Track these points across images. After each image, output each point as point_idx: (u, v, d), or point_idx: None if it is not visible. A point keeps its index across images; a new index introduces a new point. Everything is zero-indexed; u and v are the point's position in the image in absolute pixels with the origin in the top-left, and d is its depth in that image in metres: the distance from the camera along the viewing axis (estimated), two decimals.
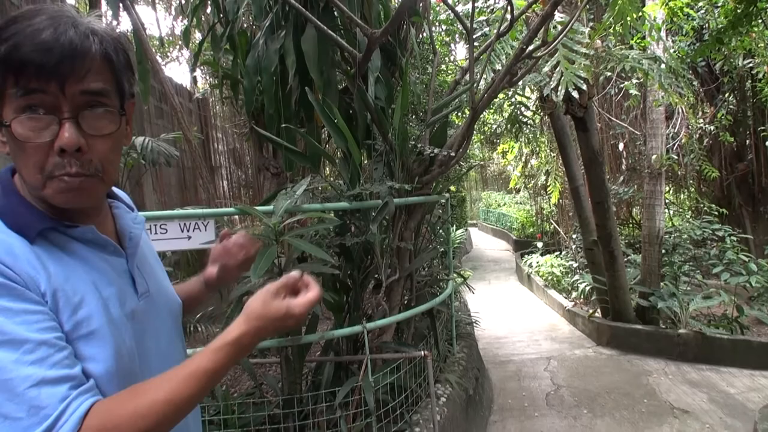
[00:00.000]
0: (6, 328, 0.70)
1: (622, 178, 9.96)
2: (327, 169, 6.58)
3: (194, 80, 8.23)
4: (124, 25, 9.81)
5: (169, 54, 12.28)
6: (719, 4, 5.84)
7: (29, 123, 0.77)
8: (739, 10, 4.47)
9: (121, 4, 3.28)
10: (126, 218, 0.99)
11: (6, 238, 0.78)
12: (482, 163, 21.23)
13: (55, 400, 0.70)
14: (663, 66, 5.19)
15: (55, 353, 0.73)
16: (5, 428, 0.69)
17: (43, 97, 0.77)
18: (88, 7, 4.74)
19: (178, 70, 18.91)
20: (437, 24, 7.44)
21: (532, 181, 13.56)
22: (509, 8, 3.02)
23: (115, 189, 1.02)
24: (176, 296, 1.11)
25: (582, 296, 8.20)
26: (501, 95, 7.45)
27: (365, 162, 3.62)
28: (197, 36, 6.33)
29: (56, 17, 0.78)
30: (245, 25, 3.99)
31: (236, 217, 5.23)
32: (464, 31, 3.58)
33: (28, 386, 0.69)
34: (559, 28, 4.05)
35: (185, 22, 5.02)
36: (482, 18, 4.90)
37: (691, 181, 9.77)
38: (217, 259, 1.26)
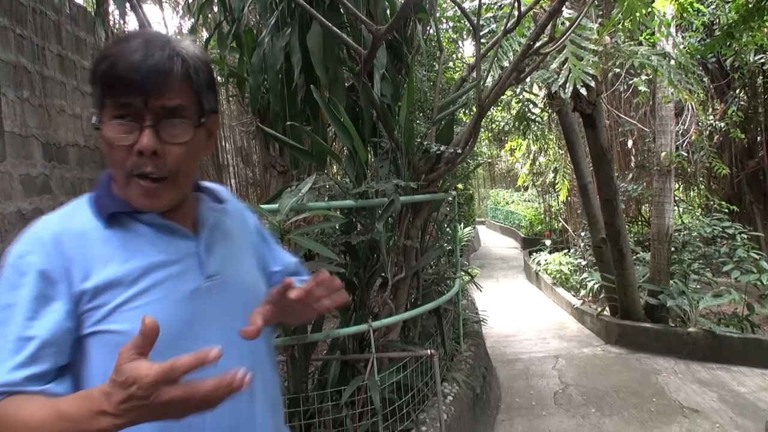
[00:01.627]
0: None
1: (630, 175, 9.88)
2: (333, 167, 6.57)
3: None
4: (131, 24, 9.83)
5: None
6: (730, 0, 5.77)
7: (117, 128, 0.92)
8: (750, 5, 4.41)
9: (128, 4, 3.28)
10: (203, 207, 1.10)
11: (64, 237, 0.95)
12: (490, 160, 21.17)
13: None
14: (673, 62, 5.13)
15: (11, 352, 0.86)
16: None
17: (130, 108, 0.90)
18: (95, 6, 4.75)
19: None
20: (444, 21, 7.40)
21: (540, 179, 13.49)
22: (516, 4, 2.99)
23: (208, 183, 1.17)
24: (258, 284, 1.15)
25: (590, 294, 8.15)
26: (508, 92, 7.41)
27: (371, 160, 3.61)
28: (204, 34, 6.33)
29: (149, 41, 0.93)
30: (251, 23, 3.98)
31: None
32: (471, 28, 3.55)
33: None
34: (567, 24, 4.01)
35: (192, 21, 5.03)
36: (489, 14, 4.86)
37: (700, 179, 9.67)
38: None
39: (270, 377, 1.15)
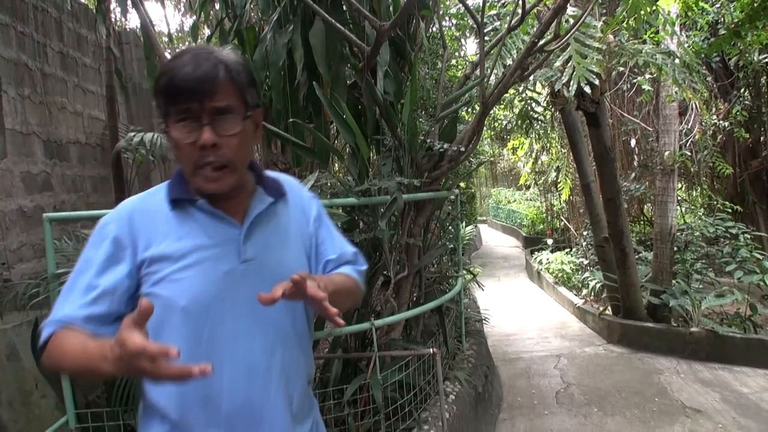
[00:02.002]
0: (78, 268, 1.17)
1: (633, 174, 9.86)
2: (336, 165, 6.55)
3: None
4: (133, 21, 9.85)
5: (178, 50, 12.29)
6: None
7: (182, 129, 1.11)
8: (756, 4, 4.38)
9: (129, 1, 3.26)
10: (255, 200, 1.26)
11: (138, 211, 1.21)
12: (492, 159, 21.15)
13: (54, 317, 1.12)
14: (677, 61, 5.11)
15: (80, 294, 1.13)
16: None
17: (189, 112, 1.10)
18: (96, 4, 4.75)
19: None
20: (447, 18, 7.38)
21: (543, 178, 13.47)
22: (521, 2, 2.97)
23: (278, 176, 1.35)
24: (293, 269, 1.16)
25: (592, 294, 8.14)
26: (511, 91, 7.39)
27: (374, 157, 3.59)
28: (206, 31, 6.32)
29: (196, 54, 1.13)
30: (253, 20, 3.96)
31: None
32: (475, 25, 3.54)
33: (59, 304, 1.14)
34: (572, 21, 3.99)
35: (194, 18, 5.01)
36: (493, 12, 4.84)
37: (704, 178, 9.64)
38: None
39: (293, 359, 1.25)
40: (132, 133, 5.17)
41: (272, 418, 1.20)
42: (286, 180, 1.37)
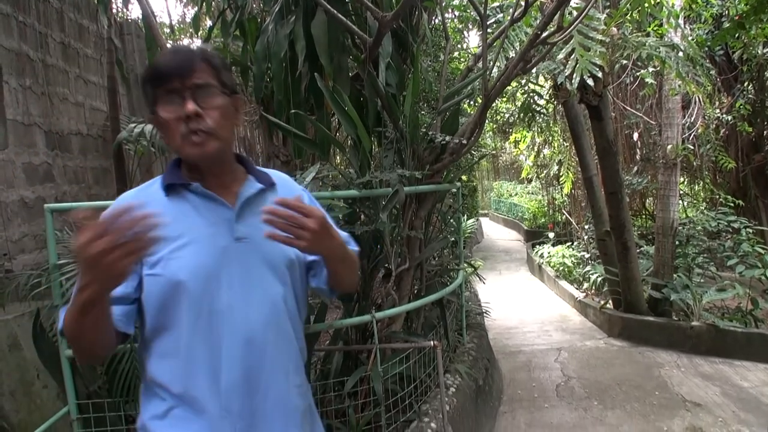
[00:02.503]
0: None
1: (635, 168, 9.83)
2: (338, 157, 6.54)
3: None
4: (134, 12, 9.81)
5: (180, 42, 12.25)
6: None
7: (167, 107, 1.22)
8: None
9: None
10: (246, 186, 1.36)
11: (136, 200, 1.17)
12: (494, 152, 21.09)
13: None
14: (681, 54, 5.08)
15: None
16: None
17: (172, 90, 1.22)
18: None
19: None
20: (450, 10, 7.34)
21: (545, 171, 13.45)
22: None
23: (268, 170, 1.45)
24: (284, 252, 1.33)
25: (593, 287, 8.14)
26: (514, 83, 7.35)
27: (375, 149, 3.58)
28: (207, 23, 6.29)
29: (176, 48, 1.35)
30: (255, 11, 3.94)
31: None
32: (477, 17, 3.51)
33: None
34: (575, 14, 3.96)
35: (195, 9, 4.99)
36: (496, 4, 4.81)
37: (706, 172, 9.62)
38: None
39: (286, 334, 1.34)
40: (133, 124, 5.16)
41: (267, 389, 1.27)
42: (277, 174, 1.48)
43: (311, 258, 1.43)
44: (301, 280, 1.44)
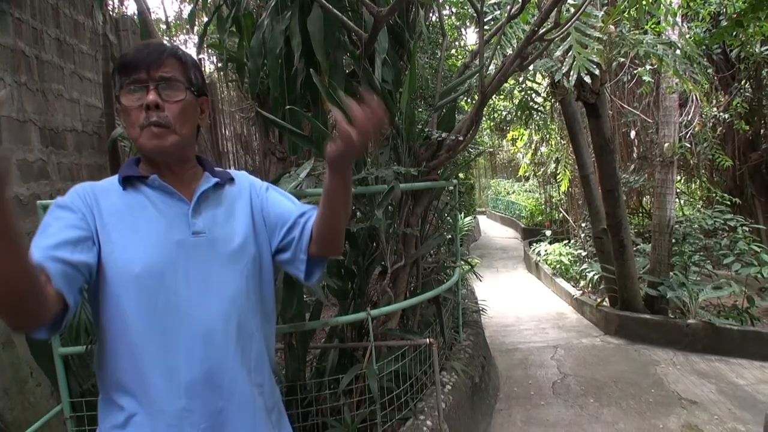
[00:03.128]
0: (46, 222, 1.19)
1: (633, 166, 9.83)
2: None
3: (200, 64, 8.15)
4: (131, 8, 9.77)
5: (175, 38, 12.20)
6: None
7: (130, 96, 1.23)
8: None
9: None
10: (202, 182, 1.34)
11: (91, 188, 1.28)
12: (491, 150, 21.10)
13: None
14: (678, 52, 5.07)
15: (48, 243, 1.12)
16: None
17: (138, 82, 1.23)
18: None
19: None
20: (447, 6, 7.32)
21: (542, 169, 13.43)
22: None
23: (225, 170, 1.43)
24: (248, 246, 1.35)
25: (590, 285, 8.14)
26: (511, 81, 7.35)
27: (371, 146, 3.56)
28: (203, 19, 6.26)
29: (148, 42, 1.32)
30: (251, 7, 3.92)
31: None
32: (474, 14, 3.50)
33: None
34: (572, 10, 3.95)
35: (191, 5, 4.96)
36: (493, 1, 4.79)
37: (703, 171, 9.62)
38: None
39: (249, 331, 1.31)
40: None
41: (231, 387, 1.25)
42: (238, 172, 1.49)
43: (285, 233, 1.41)
44: (265, 274, 1.41)
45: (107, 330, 1.22)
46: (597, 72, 4.02)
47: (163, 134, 1.24)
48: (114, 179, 1.32)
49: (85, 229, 1.20)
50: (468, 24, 7.90)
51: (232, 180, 1.42)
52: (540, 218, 15.53)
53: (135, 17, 6.54)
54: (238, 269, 1.31)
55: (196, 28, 6.21)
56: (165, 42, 1.33)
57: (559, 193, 12.78)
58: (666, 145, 6.28)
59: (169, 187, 1.29)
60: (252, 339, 1.32)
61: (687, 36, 5.84)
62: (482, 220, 22.67)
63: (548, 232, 12.35)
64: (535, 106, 7.66)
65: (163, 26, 10.00)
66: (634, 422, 4.03)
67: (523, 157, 15.13)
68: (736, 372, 4.97)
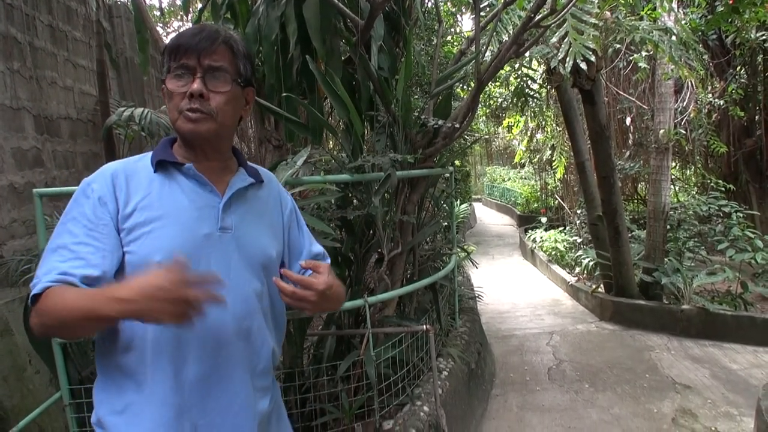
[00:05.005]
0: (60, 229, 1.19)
1: (628, 153, 9.85)
2: (330, 142, 6.50)
3: None
4: None
5: (170, 24, 12.11)
6: None
7: (176, 80, 1.22)
8: None
9: None
10: (237, 177, 1.33)
11: (123, 169, 1.25)
12: (487, 137, 21.07)
13: (48, 272, 1.11)
14: (674, 38, 5.06)
15: (70, 254, 1.13)
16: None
17: (186, 66, 1.21)
18: None
19: None
20: None
21: (538, 156, 13.45)
22: None
23: (257, 167, 1.43)
24: (270, 250, 1.36)
25: (585, 271, 8.19)
26: (507, 67, 7.32)
27: (368, 134, 3.56)
28: (197, 5, 6.21)
29: (205, 25, 1.30)
30: None
31: None
32: (470, 0, 3.48)
33: (50, 260, 1.13)
34: None
35: None
36: None
37: (698, 157, 9.65)
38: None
39: (258, 334, 1.31)
40: (123, 108, 5.10)
41: (233, 387, 1.25)
42: (265, 171, 1.47)
43: (291, 262, 1.46)
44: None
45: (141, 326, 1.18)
46: (593, 58, 4.01)
47: (200, 120, 1.22)
48: (146, 158, 1.30)
49: (111, 224, 1.19)
50: (464, 10, 7.85)
51: (262, 181, 1.41)
52: (535, 205, 15.57)
53: (128, 3, 6.48)
54: (256, 271, 1.31)
55: (190, 15, 6.16)
56: (219, 28, 1.29)
57: (554, 179, 12.81)
58: (661, 131, 6.29)
59: (203, 177, 1.27)
60: (262, 341, 1.32)
61: (683, 22, 5.82)
62: (478, 207, 22.70)
63: (544, 219, 12.39)
64: (531, 93, 7.65)
65: (157, 13, 9.91)
66: (629, 407, 4.07)
67: (518, 144, 15.13)
68: (730, 357, 5.02)
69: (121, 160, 1.31)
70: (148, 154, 1.30)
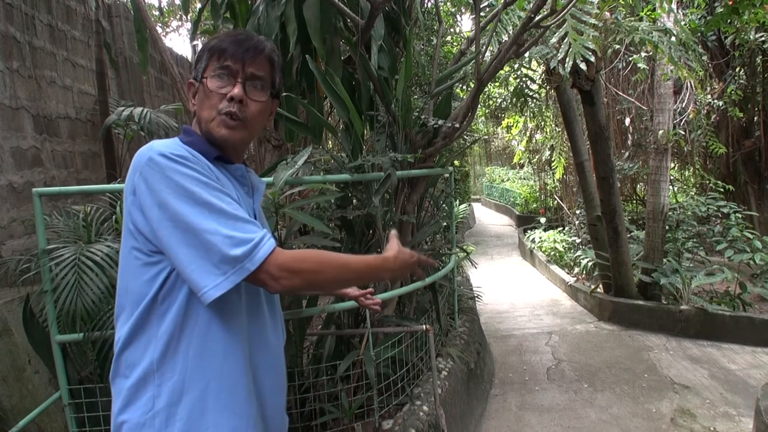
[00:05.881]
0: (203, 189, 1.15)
1: (627, 153, 9.86)
2: (330, 142, 6.50)
3: (194, 50, 8.10)
4: None
5: (169, 24, 12.09)
6: None
7: (217, 81, 1.26)
8: None
9: None
10: (255, 177, 1.43)
11: (188, 150, 1.21)
12: (486, 137, 21.08)
13: (255, 234, 1.13)
14: (673, 39, 5.07)
15: (241, 208, 1.19)
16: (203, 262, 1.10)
17: (230, 70, 1.26)
18: None
19: (178, 41, 18.69)
20: None
21: (537, 156, 13.46)
22: None
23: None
24: None
25: (584, 272, 8.19)
26: (506, 68, 7.33)
27: (368, 133, 3.56)
28: (197, 5, 6.20)
29: (249, 33, 1.33)
30: None
31: None
32: (470, 0, 3.48)
33: (230, 220, 1.14)
34: None
35: None
36: None
37: (697, 158, 9.66)
38: None
39: (281, 336, 1.46)
40: (122, 108, 5.10)
41: (280, 395, 1.41)
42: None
43: None
44: None
45: (222, 310, 1.18)
46: (592, 59, 4.01)
47: (236, 127, 1.27)
48: (182, 146, 1.21)
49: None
50: (464, 11, 7.85)
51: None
52: (534, 205, 15.58)
53: (128, 3, 6.47)
54: None
55: (189, 14, 6.16)
56: (264, 39, 1.34)
57: (553, 180, 12.81)
58: (660, 132, 6.29)
59: (246, 179, 1.35)
60: (281, 317, 1.47)
61: (682, 23, 5.83)
62: (477, 207, 22.71)
63: (543, 220, 12.40)
64: (531, 94, 7.66)
65: (156, 12, 9.91)
66: (628, 407, 4.08)
67: (518, 145, 15.14)
68: (728, 357, 5.03)
69: (172, 142, 1.23)
70: (176, 141, 1.24)
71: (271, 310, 1.36)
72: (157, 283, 1.15)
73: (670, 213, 7.00)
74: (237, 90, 1.24)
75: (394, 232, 1.38)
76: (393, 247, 1.36)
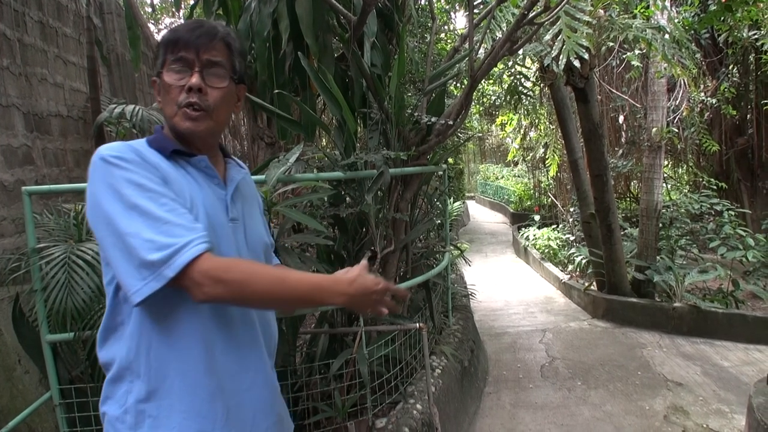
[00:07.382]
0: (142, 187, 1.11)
1: (621, 151, 9.88)
2: (323, 140, 6.48)
3: None
4: None
5: (161, 21, 12.03)
6: None
7: (174, 74, 1.22)
8: None
9: None
10: (232, 168, 1.38)
11: (143, 149, 1.19)
12: (480, 135, 21.09)
13: (179, 239, 1.07)
14: (667, 36, 5.07)
15: (181, 208, 1.13)
16: (127, 264, 1.06)
17: (184, 60, 1.22)
18: None
19: None
20: None
21: (531, 154, 13.46)
22: None
23: (235, 158, 1.45)
24: (267, 238, 1.46)
25: (578, 269, 8.21)
26: (500, 65, 7.33)
27: (360, 131, 3.54)
28: (190, 1, 6.17)
29: (200, 20, 1.29)
30: None
31: None
32: None
33: (158, 226, 1.07)
34: None
35: None
36: None
37: (690, 155, 9.69)
38: None
39: (273, 326, 1.44)
40: (114, 105, 5.06)
41: (257, 365, 1.31)
42: (241, 163, 1.50)
43: None
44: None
45: (176, 309, 1.16)
46: (586, 56, 4.01)
47: (199, 118, 1.23)
48: (142, 144, 1.23)
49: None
50: (457, 8, 7.84)
51: (246, 172, 1.46)
52: (529, 203, 15.62)
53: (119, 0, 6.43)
54: (259, 258, 1.39)
55: (182, 11, 6.12)
56: (217, 24, 1.29)
57: (547, 178, 12.83)
58: (654, 129, 6.31)
59: (213, 170, 1.29)
60: (270, 322, 1.42)
61: (676, 20, 5.83)
62: (471, 205, 22.74)
63: (537, 217, 12.42)
64: (524, 91, 7.66)
65: (149, 9, 9.85)
66: (621, 404, 4.08)
67: (512, 142, 15.15)
68: (721, 354, 5.05)
69: (122, 143, 1.21)
70: (140, 142, 1.25)
71: (246, 310, 1.30)
72: (114, 283, 1.17)
73: (664, 210, 7.02)
74: (194, 79, 1.21)
75: (364, 262, 1.25)
76: (354, 270, 1.21)
